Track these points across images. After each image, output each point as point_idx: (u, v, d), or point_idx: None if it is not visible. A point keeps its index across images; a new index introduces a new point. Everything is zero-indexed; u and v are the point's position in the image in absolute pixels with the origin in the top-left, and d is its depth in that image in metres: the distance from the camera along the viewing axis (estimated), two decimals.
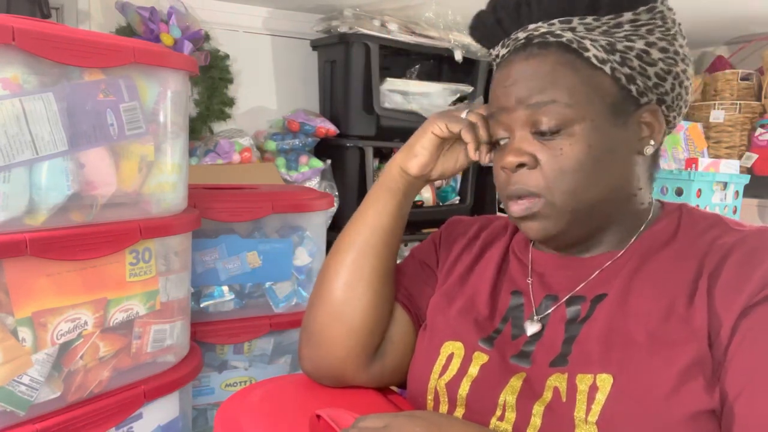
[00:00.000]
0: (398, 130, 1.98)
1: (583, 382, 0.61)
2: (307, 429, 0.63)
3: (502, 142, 0.71)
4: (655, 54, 0.66)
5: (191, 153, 1.86)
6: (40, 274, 0.83)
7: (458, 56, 2.03)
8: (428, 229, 2.14)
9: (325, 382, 0.78)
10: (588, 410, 0.59)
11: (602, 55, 0.65)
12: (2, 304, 0.80)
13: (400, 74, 2.14)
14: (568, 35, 0.66)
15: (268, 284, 1.35)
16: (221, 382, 1.31)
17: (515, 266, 0.77)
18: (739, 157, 2.33)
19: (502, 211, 2.28)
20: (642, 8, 0.66)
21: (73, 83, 0.84)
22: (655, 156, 0.72)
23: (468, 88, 2.10)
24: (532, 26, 0.67)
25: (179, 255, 1.06)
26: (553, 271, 0.73)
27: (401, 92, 1.99)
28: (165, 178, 1.00)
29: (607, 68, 0.65)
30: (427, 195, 2.10)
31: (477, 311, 0.74)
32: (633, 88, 0.66)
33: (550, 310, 0.70)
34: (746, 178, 2.14)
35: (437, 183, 2.19)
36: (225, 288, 1.30)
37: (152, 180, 0.98)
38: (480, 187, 2.29)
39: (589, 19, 0.66)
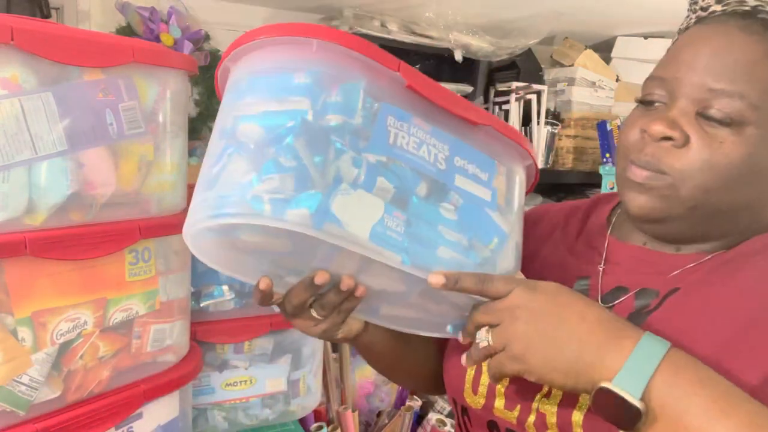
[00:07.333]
0: None
1: None
2: None
3: (656, 104, 0.62)
4: None
5: (191, 153, 1.85)
6: (39, 274, 0.83)
7: (458, 56, 2.03)
8: None
9: None
10: None
11: None
12: (2, 304, 0.80)
13: None
14: None
15: None
16: (221, 381, 1.31)
17: (585, 252, 0.73)
18: None
19: None
20: None
21: (72, 83, 0.84)
22: None
23: (468, 88, 2.09)
24: None
25: (179, 254, 1.06)
26: (629, 263, 0.68)
27: None
28: (164, 178, 1.00)
29: None
30: None
31: None
32: None
33: (616, 302, 0.66)
34: None
35: None
36: (225, 287, 1.30)
37: (152, 179, 0.97)
38: None
39: None
